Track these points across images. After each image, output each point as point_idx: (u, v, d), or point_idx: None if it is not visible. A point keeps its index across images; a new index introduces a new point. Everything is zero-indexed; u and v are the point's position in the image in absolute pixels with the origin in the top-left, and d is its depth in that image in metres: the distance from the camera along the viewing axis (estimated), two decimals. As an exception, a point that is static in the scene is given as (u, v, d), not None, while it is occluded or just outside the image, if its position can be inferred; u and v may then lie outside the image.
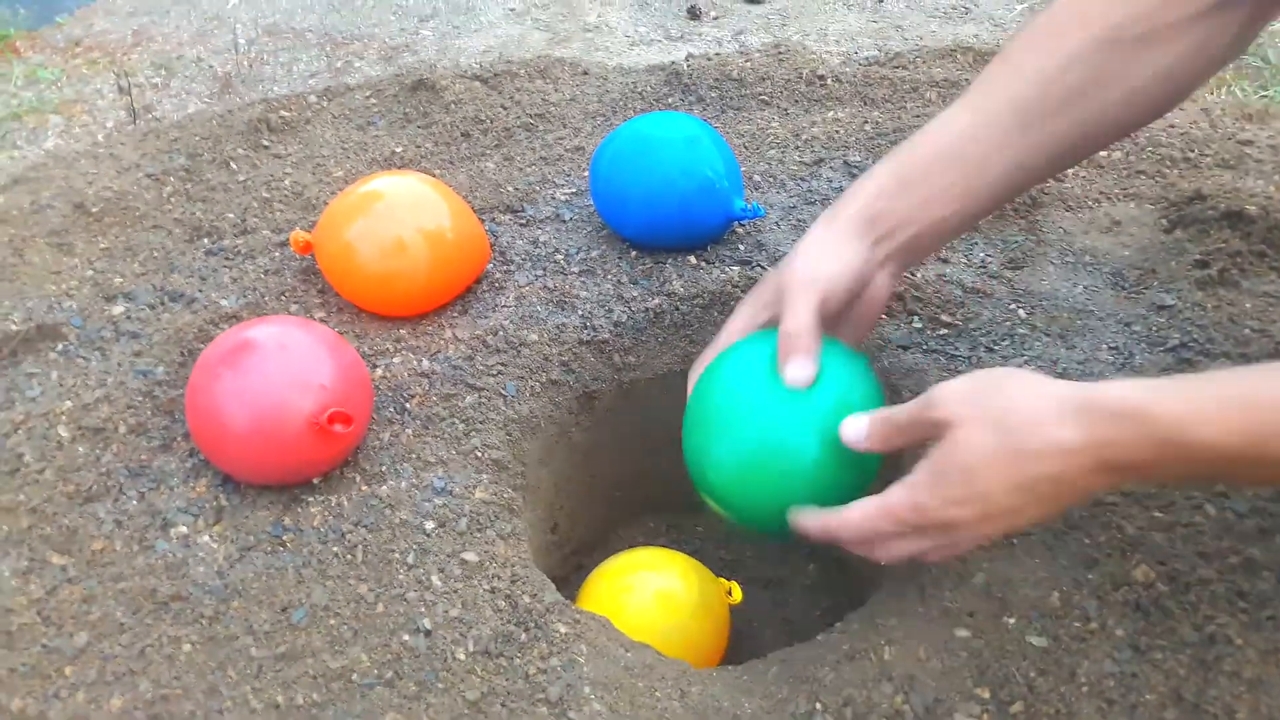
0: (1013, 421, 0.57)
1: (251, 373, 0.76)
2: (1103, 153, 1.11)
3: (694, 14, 2.60)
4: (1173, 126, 1.15)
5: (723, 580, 0.88)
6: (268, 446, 0.76)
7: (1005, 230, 1.01)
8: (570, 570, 0.98)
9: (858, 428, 0.65)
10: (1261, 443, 0.54)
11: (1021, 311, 0.93)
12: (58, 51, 2.20)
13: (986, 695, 0.65)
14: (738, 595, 0.88)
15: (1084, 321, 0.91)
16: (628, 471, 1.01)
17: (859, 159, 1.12)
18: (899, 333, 0.91)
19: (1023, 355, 0.88)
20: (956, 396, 0.60)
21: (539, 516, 0.90)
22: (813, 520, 0.65)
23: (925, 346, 0.90)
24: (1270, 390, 0.55)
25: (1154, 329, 0.89)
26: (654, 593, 0.86)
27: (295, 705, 0.67)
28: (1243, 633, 0.66)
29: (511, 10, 2.53)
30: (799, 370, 0.67)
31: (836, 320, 0.72)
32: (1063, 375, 0.86)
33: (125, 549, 0.76)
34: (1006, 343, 0.90)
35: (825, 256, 0.70)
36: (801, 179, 1.10)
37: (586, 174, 1.12)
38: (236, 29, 2.30)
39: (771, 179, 1.10)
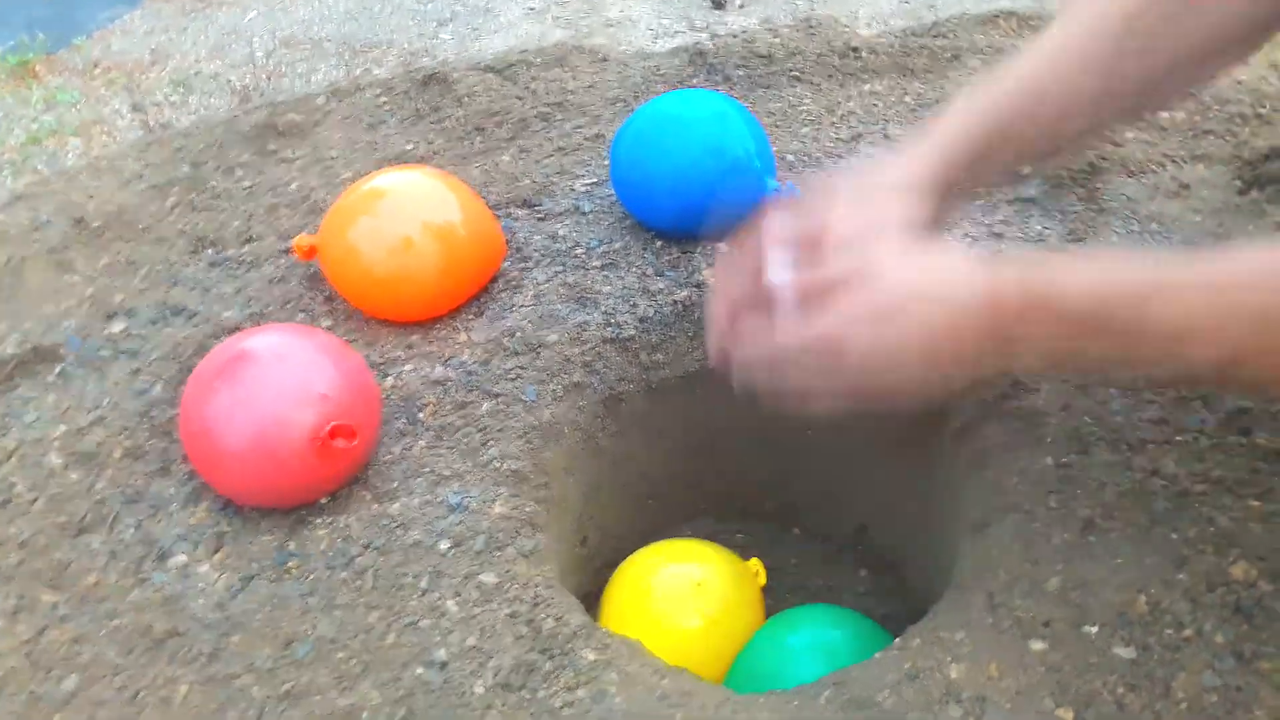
0: (905, 269, 0.58)
1: (246, 386, 0.70)
2: (1164, 114, 1.02)
3: (718, 4, 2.53)
4: (1240, 83, 1.06)
5: (750, 561, 0.86)
6: (266, 466, 0.70)
7: (1063, 199, 0.93)
8: (602, 584, 0.91)
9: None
10: (1108, 312, 0.54)
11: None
12: (76, 74, 2.18)
13: (1070, 717, 0.58)
14: (763, 576, 0.86)
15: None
16: (661, 477, 0.94)
17: (900, 132, 1.04)
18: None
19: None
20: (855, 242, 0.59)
21: (566, 529, 0.84)
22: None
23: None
24: (1134, 265, 0.56)
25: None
26: (684, 580, 0.83)
27: (300, 749, 0.61)
28: (1363, 637, 0.58)
29: (531, 9, 2.48)
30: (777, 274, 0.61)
31: None
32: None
33: (120, 582, 0.71)
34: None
35: (859, 206, 0.62)
36: (838, 156, 1.03)
37: (606, 163, 1.06)
38: (254, 41, 2.27)
39: (806, 158, 1.03)
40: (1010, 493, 0.70)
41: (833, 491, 0.94)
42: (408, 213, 0.86)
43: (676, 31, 2.31)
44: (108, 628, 0.68)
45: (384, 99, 1.21)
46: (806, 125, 1.08)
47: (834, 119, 1.08)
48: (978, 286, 0.57)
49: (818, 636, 0.78)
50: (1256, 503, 0.65)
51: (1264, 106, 1.01)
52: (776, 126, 1.08)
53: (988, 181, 0.70)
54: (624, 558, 0.91)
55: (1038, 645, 0.61)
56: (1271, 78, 1.08)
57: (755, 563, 0.88)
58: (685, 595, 0.82)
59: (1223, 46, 0.66)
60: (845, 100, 1.11)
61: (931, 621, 0.65)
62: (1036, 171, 0.95)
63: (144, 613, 0.69)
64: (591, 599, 0.89)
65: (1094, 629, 0.61)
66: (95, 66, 2.22)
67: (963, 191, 0.69)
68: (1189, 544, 0.64)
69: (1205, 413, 0.72)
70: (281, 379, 0.71)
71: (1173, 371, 0.59)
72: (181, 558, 0.72)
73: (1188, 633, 0.60)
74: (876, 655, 0.64)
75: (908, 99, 1.08)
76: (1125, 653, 0.60)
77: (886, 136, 1.03)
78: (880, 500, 0.91)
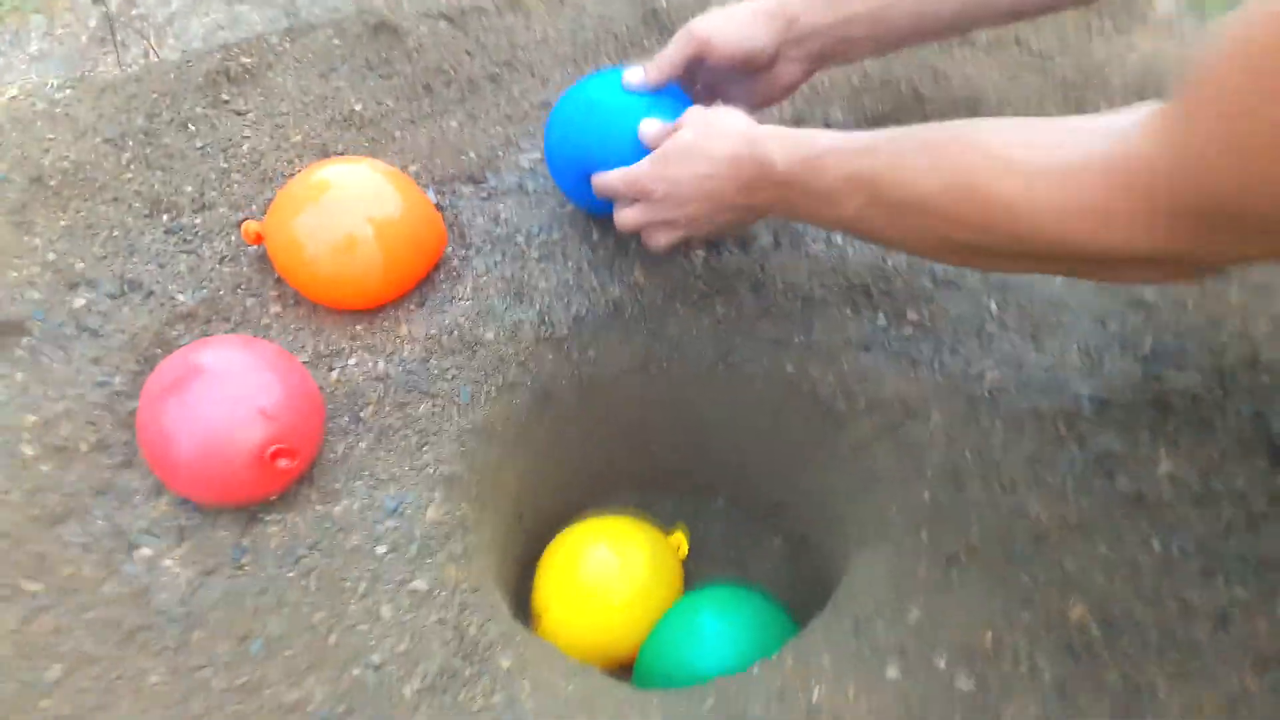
0: (707, 131, 0.78)
1: (194, 405, 0.76)
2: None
3: None
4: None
5: (673, 535, 0.97)
6: (214, 478, 0.77)
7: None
8: (539, 551, 1.00)
9: (646, 124, 0.85)
10: (797, 180, 0.72)
11: (993, 304, 0.90)
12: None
13: (910, 742, 0.68)
14: (685, 549, 0.97)
15: (1057, 317, 0.88)
16: (593, 458, 1.01)
17: (841, 116, 1.06)
18: (861, 331, 0.89)
19: (989, 357, 0.86)
20: (695, 111, 0.81)
21: (503, 511, 0.92)
22: (598, 179, 0.87)
23: (888, 348, 0.88)
24: (824, 140, 0.72)
25: (1129, 329, 0.86)
26: (610, 553, 0.94)
27: (252, 741, 0.71)
28: (1169, 683, 0.68)
29: None
30: (634, 73, 0.86)
31: (728, 83, 0.90)
32: (1027, 382, 0.84)
33: (94, 573, 0.79)
34: (973, 343, 0.87)
35: (725, 20, 0.84)
36: (775, 139, 1.05)
37: (553, 134, 1.08)
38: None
39: (744, 139, 1.06)
40: (888, 524, 0.78)
41: (751, 472, 1.02)
42: (351, 208, 0.90)
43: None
44: (84, 620, 0.77)
45: (336, 41, 1.21)
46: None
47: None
48: (730, 150, 0.76)
49: (724, 618, 0.88)
50: (1104, 549, 0.74)
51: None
52: (722, 99, 1.10)
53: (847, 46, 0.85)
54: (560, 526, 1.00)
55: (892, 673, 0.70)
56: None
57: (678, 536, 0.97)
58: (609, 575, 0.91)
59: None
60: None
61: (806, 641, 0.74)
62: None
63: (115, 606, 0.77)
64: (529, 564, 0.98)
65: (942, 661, 0.70)
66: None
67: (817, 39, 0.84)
68: (1038, 585, 0.73)
69: (1077, 452, 0.79)
70: (228, 397, 0.77)
71: (841, 225, 0.74)
72: (147, 550, 0.80)
73: (1023, 669, 0.69)
74: (755, 670, 0.73)
75: (854, 79, 1.10)
76: (966, 684, 0.69)
77: (827, 123, 1.06)
78: (792, 483, 0.99)
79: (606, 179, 0.85)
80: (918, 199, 0.63)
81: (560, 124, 0.92)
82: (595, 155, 0.88)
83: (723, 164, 0.77)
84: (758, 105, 0.90)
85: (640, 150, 0.85)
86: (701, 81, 0.91)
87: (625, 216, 0.85)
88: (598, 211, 0.96)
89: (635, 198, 0.84)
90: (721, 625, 0.86)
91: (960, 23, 0.82)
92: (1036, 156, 0.58)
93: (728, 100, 0.86)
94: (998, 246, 0.61)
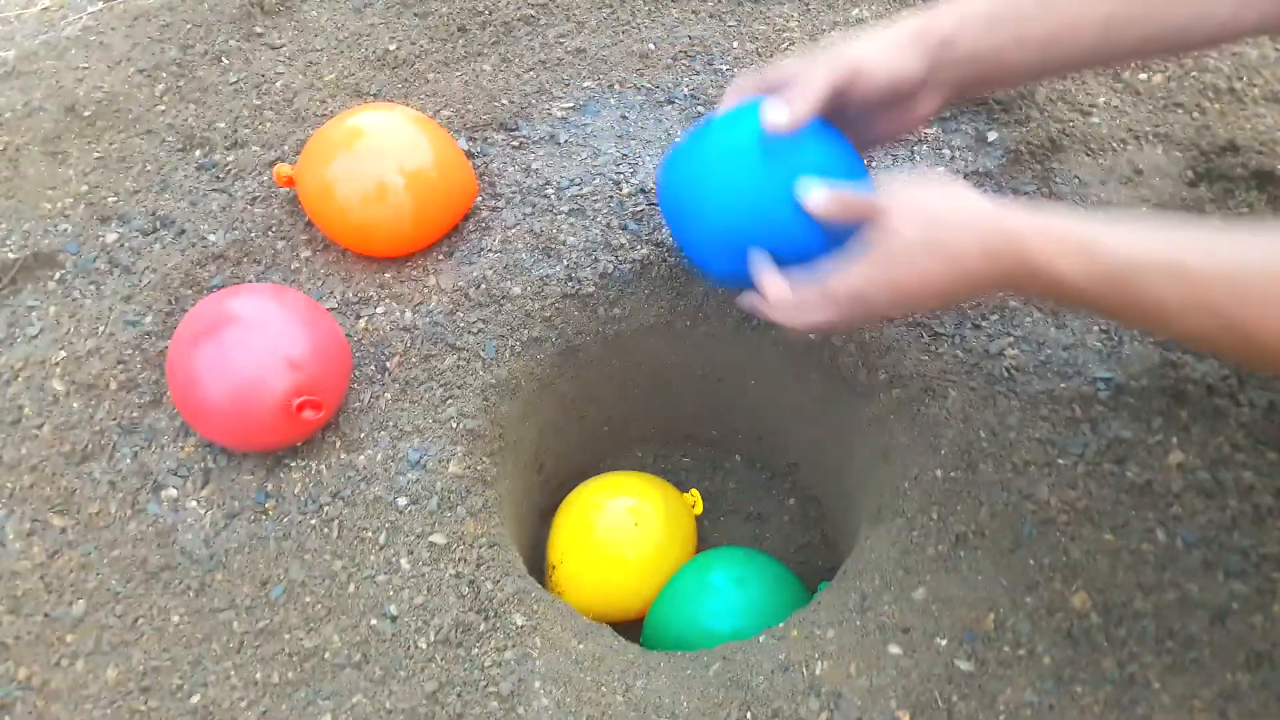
0: (940, 223, 0.65)
1: (226, 352, 0.78)
2: (1142, 75, 1.02)
3: None
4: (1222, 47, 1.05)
5: (689, 494, 0.98)
6: (241, 425, 0.79)
7: (1018, 177, 0.96)
8: (558, 501, 1.02)
9: (811, 188, 0.69)
10: (1107, 289, 0.60)
11: (1017, 281, 0.90)
12: None
13: (906, 718, 0.69)
14: (699, 507, 0.98)
15: (1080, 296, 0.88)
16: (614, 412, 1.02)
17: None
18: (884, 303, 0.89)
19: (1010, 334, 0.86)
20: (899, 190, 0.67)
21: (523, 463, 0.93)
22: (767, 279, 0.71)
23: (911, 318, 0.88)
24: (1122, 239, 0.60)
25: (1150, 312, 0.86)
26: (626, 509, 0.95)
27: (271, 683, 0.74)
28: (1163, 675, 0.69)
29: None
30: (775, 111, 0.70)
31: (865, 116, 0.75)
32: (1046, 362, 0.84)
33: (119, 512, 0.81)
34: (995, 318, 0.87)
35: (874, 46, 0.71)
36: (810, 99, 1.04)
37: (586, 84, 1.07)
38: None
39: (779, 98, 1.04)
40: (901, 497, 0.79)
41: (769, 433, 1.03)
42: (383, 157, 0.90)
43: None
44: (110, 557, 0.79)
45: (372, -27, 1.19)
46: (789, 55, 1.08)
47: (816, 48, 1.08)
48: (979, 244, 0.63)
49: (735, 580, 0.89)
50: (1110, 536, 0.74)
51: (1241, 79, 1.01)
52: (759, 54, 1.08)
53: (979, 72, 0.73)
54: (578, 479, 1.01)
55: (894, 650, 0.72)
56: (1263, 44, 1.07)
57: (693, 494, 0.99)
58: (624, 531, 0.93)
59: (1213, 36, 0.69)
60: (830, 27, 1.10)
61: (812, 614, 0.76)
62: (1000, 140, 0.98)
63: (140, 545, 0.80)
64: (547, 515, 1.00)
65: (944, 641, 0.72)
66: None
67: (952, 67, 0.72)
68: (1042, 570, 0.74)
69: (1089, 436, 0.79)
70: (258, 346, 0.78)
71: (1158, 334, 0.67)
72: (173, 490, 0.82)
73: (1021, 652, 0.71)
74: (761, 639, 0.75)
75: None
76: (965, 665, 0.71)
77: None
78: (808, 445, 1.00)
79: (800, 291, 0.69)
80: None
81: (687, 181, 0.75)
82: (736, 223, 0.72)
83: (972, 261, 0.63)
84: (886, 139, 0.79)
85: (799, 214, 0.69)
86: (833, 109, 0.72)
87: (803, 319, 0.69)
88: (730, 282, 0.77)
89: (823, 306, 0.69)
90: (732, 587, 0.88)
91: (1132, 53, 0.72)
92: None
93: (854, 131, 0.74)
94: None
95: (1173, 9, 0.69)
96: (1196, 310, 0.57)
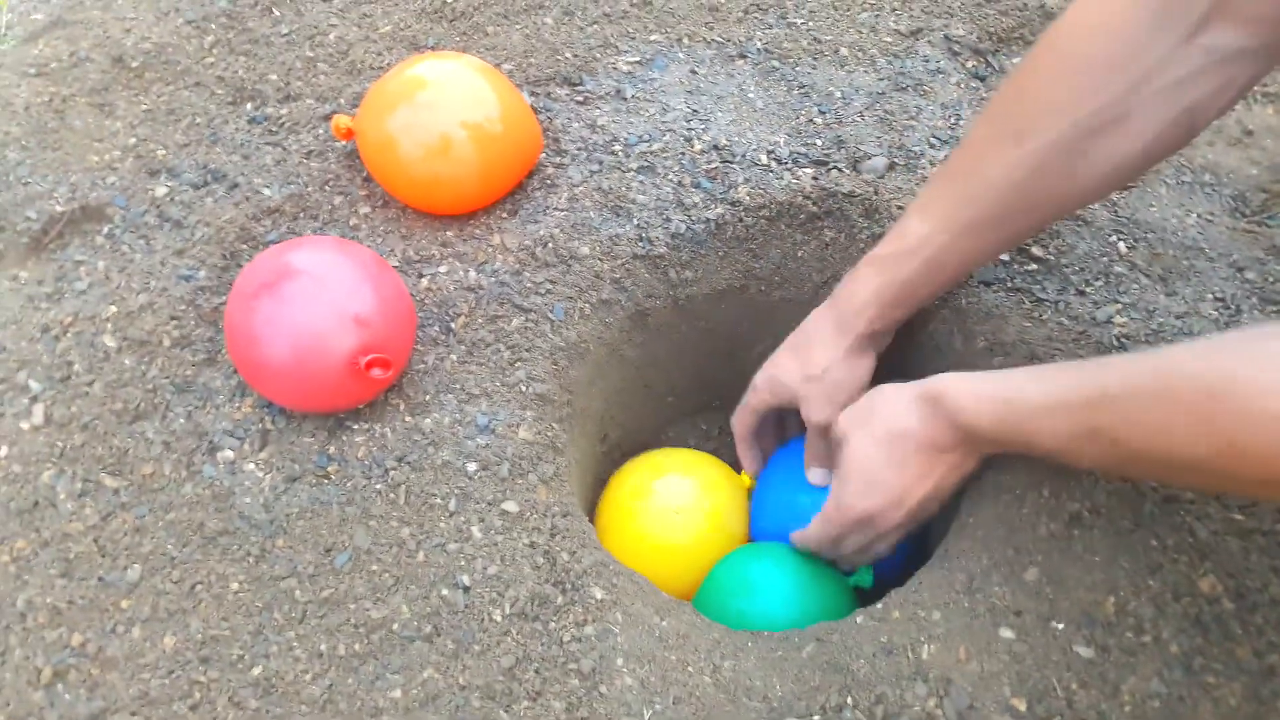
0: (877, 417, 0.72)
1: (289, 306, 0.73)
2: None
3: None
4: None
5: (742, 476, 0.93)
6: (304, 384, 0.74)
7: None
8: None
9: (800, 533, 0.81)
10: (1013, 434, 0.65)
11: (1122, 245, 0.84)
12: None
13: (1023, 707, 0.64)
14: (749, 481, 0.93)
15: (1191, 261, 0.82)
16: (681, 379, 0.97)
17: (962, 33, 0.99)
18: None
19: (1118, 301, 0.81)
20: (845, 416, 0.75)
21: (588, 432, 0.89)
22: (796, 539, 0.81)
23: (1010, 284, 0.83)
24: (1017, 388, 0.65)
25: (1270, 279, 0.80)
26: (677, 490, 0.89)
27: (337, 655, 0.69)
28: (1305, 665, 0.63)
29: None
30: (821, 477, 0.84)
31: None
32: (1158, 330, 0.79)
33: (174, 473, 0.77)
34: (1100, 283, 0.82)
35: (850, 373, 0.81)
36: (894, 55, 0.98)
37: (653, 37, 1.02)
38: None
39: (860, 53, 0.99)
40: (1006, 471, 0.73)
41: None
42: (447, 108, 0.85)
43: None
44: (165, 520, 0.75)
45: (430, -77, 1.14)
46: (865, 11, 1.02)
47: (895, 4, 1.02)
48: (912, 416, 0.70)
49: (781, 576, 0.83)
50: (1239, 516, 0.69)
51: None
52: (834, 8, 1.03)
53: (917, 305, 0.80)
54: (639, 450, 0.96)
55: (1007, 634, 0.67)
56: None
57: (745, 478, 0.93)
58: (673, 514, 0.87)
59: (1107, 189, 0.70)
60: (909, -23, 1.04)
61: (914, 593, 0.71)
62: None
63: (196, 509, 0.75)
64: (603, 483, 0.95)
65: (1061, 625, 0.67)
66: None
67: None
68: (1165, 551, 0.68)
69: (1211, 410, 0.74)
70: (323, 301, 0.73)
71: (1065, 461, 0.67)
72: (229, 452, 0.78)
73: (1146, 639, 0.65)
74: (859, 619, 0.70)
75: (979, -8, 1.02)
76: (1085, 651, 0.66)
77: (947, 38, 0.98)
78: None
79: (813, 529, 0.79)
80: (1183, 462, 0.55)
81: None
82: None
83: (910, 423, 0.70)
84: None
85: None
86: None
87: (851, 545, 0.78)
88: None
89: (847, 535, 0.77)
90: (778, 582, 0.82)
91: (1010, 240, 0.76)
92: None
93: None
94: None
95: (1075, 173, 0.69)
96: (1086, 438, 0.60)
